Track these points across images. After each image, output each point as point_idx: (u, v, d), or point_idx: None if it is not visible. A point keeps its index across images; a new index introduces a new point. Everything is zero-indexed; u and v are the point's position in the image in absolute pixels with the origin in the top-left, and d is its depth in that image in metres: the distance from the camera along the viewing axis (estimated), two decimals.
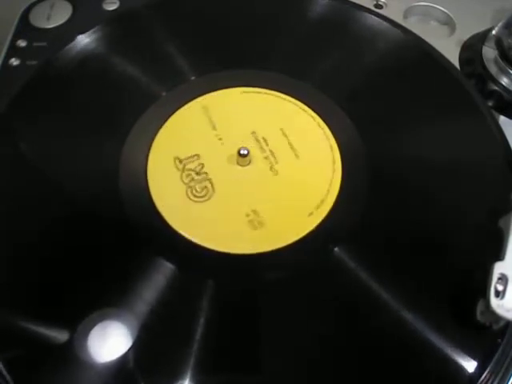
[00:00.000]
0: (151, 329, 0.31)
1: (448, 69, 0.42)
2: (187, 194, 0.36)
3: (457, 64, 0.43)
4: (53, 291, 0.33)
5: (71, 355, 0.30)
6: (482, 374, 0.31)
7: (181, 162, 0.37)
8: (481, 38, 0.43)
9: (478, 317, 0.31)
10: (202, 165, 0.37)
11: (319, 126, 0.39)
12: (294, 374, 0.31)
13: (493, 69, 0.42)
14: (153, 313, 0.32)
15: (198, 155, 0.37)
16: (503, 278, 0.29)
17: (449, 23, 0.47)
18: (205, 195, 0.36)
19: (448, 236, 0.35)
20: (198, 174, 0.37)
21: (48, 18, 0.46)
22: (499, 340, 0.31)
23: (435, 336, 0.31)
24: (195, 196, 0.36)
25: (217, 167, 0.37)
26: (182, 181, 0.36)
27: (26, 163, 0.38)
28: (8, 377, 0.30)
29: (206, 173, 0.37)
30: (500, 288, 0.29)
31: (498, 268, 0.30)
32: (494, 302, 0.29)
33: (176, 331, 0.31)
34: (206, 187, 0.36)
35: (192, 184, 0.36)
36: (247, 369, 0.31)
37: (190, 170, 0.37)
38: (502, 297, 0.29)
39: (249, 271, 0.34)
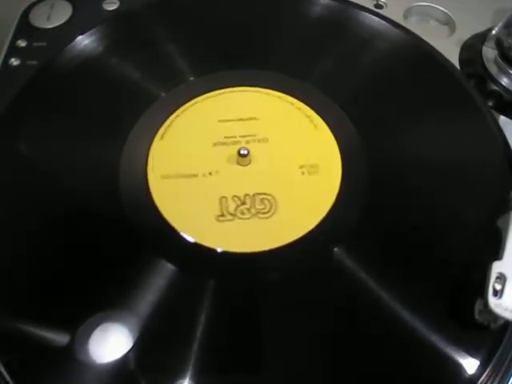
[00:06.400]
0: (152, 329, 0.31)
1: (448, 69, 0.42)
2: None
3: (457, 64, 0.43)
4: (53, 292, 0.33)
5: (72, 357, 0.30)
6: (482, 374, 0.31)
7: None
8: (481, 38, 0.43)
9: (476, 316, 0.31)
10: None
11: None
12: (294, 373, 0.31)
13: (493, 69, 0.42)
14: (153, 313, 0.32)
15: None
16: (501, 278, 0.29)
17: (449, 23, 0.47)
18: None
19: (447, 235, 0.35)
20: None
21: (48, 18, 0.46)
22: (500, 340, 0.31)
23: (435, 336, 0.31)
24: None
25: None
26: None
27: (26, 163, 0.38)
28: (9, 378, 0.30)
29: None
30: (498, 287, 0.29)
31: (496, 267, 0.30)
32: (492, 301, 0.29)
33: (177, 331, 0.31)
34: None
35: None
36: (248, 369, 0.31)
37: None
38: (500, 296, 0.29)
39: (249, 271, 0.34)
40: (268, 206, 0.35)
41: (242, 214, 0.35)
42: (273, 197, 0.36)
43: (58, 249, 0.34)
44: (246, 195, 0.36)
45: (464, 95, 0.40)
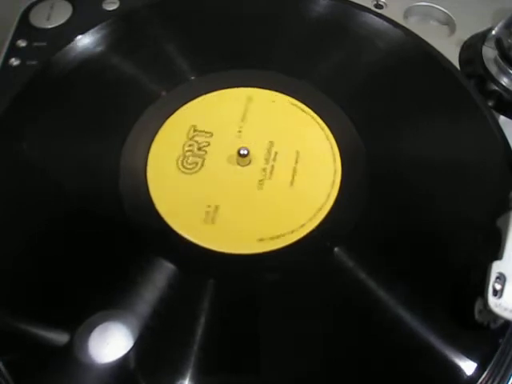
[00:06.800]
0: (152, 329, 0.31)
1: (448, 69, 0.42)
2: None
3: (457, 64, 0.43)
4: (53, 292, 0.33)
5: (72, 356, 0.30)
6: (482, 374, 0.31)
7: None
8: (481, 38, 0.43)
9: (476, 316, 0.31)
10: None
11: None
12: (293, 374, 0.31)
13: (493, 69, 0.41)
14: (153, 313, 0.32)
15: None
16: (501, 277, 0.29)
17: (449, 23, 0.47)
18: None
19: (447, 235, 0.35)
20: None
21: (48, 18, 0.46)
22: (499, 340, 0.31)
23: (434, 336, 0.31)
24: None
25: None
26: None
27: (26, 163, 0.38)
28: (9, 378, 0.30)
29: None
30: (498, 287, 0.29)
31: (496, 267, 0.30)
32: (492, 301, 0.29)
33: (176, 331, 0.31)
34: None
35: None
36: (248, 369, 0.31)
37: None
38: (500, 296, 0.29)
39: (249, 271, 0.34)
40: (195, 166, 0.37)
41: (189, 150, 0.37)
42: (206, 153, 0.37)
43: (58, 248, 0.34)
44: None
45: (464, 95, 0.40)
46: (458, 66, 0.43)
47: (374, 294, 0.32)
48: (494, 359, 0.31)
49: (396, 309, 0.32)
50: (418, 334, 0.31)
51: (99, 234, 0.35)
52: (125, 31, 0.44)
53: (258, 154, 0.37)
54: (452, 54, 0.43)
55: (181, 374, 0.30)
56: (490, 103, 0.41)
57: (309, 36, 0.44)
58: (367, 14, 0.45)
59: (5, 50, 0.44)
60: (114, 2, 0.47)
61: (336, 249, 0.34)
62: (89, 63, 0.42)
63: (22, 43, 0.44)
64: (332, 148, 0.38)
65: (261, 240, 0.34)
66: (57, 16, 0.46)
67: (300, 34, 0.44)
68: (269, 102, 0.40)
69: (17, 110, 0.40)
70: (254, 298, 0.33)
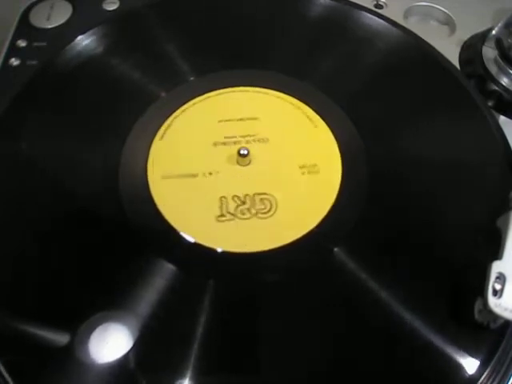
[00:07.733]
0: (152, 330, 0.31)
1: (448, 69, 0.42)
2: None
3: (457, 64, 0.43)
4: (53, 293, 0.33)
5: (72, 357, 0.30)
6: (482, 374, 0.31)
7: None
8: (481, 38, 0.43)
9: (476, 316, 0.31)
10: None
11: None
12: (293, 374, 0.31)
13: (493, 69, 0.42)
14: (153, 313, 0.32)
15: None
16: (501, 277, 0.29)
17: (449, 23, 0.47)
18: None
19: (447, 235, 0.35)
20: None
21: (48, 18, 0.46)
22: (499, 340, 0.31)
23: (435, 336, 0.31)
24: None
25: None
26: None
27: (26, 164, 0.38)
28: (9, 379, 0.30)
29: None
30: (498, 287, 0.29)
31: (496, 267, 0.30)
32: (492, 301, 0.29)
33: (176, 332, 0.31)
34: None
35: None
36: (247, 369, 0.31)
37: None
38: (500, 296, 0.29)
39: (248, 271, 0.34)
40: (268, 205, 0.35)
41: (242, 213, 0.35)
42: (273, 197, 0.36)
43: (58, 249, 0.34)
44: (246, 195, 0.36)
45: (464, 95, 0.40)
46: (458, 66, 0.43)
47: (373, 293, 0.32)
48: (494, 359, 0.31)
49: (396, 309, 0.32)
50: (418, 334, 0.31)
51: (99, 234, 0.35)
52: (125, 31, 0.44)
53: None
54: (452, 54, 0.43)
55: (181, 374, 0.30)
56: (490, 103, 0.41)
57: (309, 36, 0.44)
58: (367, 14, 0.45)
59: (5, 50, 0.44)
60: (114, 2, 0.47)
61: (335, 248, 0.34)
62: (89, 63, 0.42)
63: (22, 43, 0.44)
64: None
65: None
66: (57, 16, 0.46)
67: (300, 34, 0.44)
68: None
69: (17, 110, 0.40)
70: (253, 297, 0.33)
